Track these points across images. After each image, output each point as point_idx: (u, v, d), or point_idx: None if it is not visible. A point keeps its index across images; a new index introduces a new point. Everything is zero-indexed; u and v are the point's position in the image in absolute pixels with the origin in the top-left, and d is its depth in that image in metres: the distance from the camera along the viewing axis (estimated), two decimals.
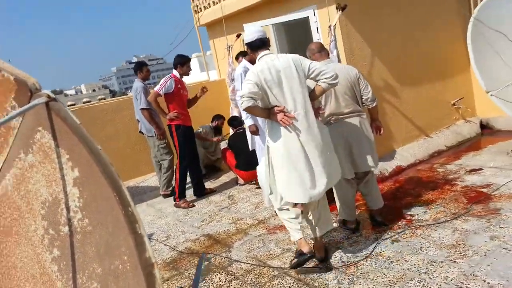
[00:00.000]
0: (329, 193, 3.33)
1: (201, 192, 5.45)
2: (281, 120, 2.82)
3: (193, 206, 5.14)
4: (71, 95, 74.36)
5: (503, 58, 4.26)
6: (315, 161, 2.91)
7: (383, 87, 5.17)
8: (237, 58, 5.59)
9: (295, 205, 3.13)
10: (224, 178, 6.19)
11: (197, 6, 7.03)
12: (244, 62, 5.19)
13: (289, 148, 2.89)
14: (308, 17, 4.90)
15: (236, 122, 5.83)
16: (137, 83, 5.62)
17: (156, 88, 5.00)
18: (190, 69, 5.18)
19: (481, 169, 4.54)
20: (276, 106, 2.86)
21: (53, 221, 1.12)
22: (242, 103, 2.80)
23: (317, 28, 4.88)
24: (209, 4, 6.73)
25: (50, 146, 1.10)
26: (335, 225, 3.63)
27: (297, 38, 6.01)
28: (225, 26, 6.28)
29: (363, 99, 3.54)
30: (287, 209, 3.18)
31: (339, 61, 4.51)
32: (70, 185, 1.08)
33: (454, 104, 5.96)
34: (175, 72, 5.12)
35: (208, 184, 5.88)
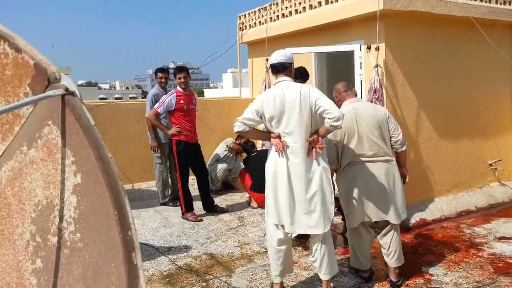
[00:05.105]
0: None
1: (210, 208, 5.28)
2: (274, 145, 2.88)
3: (201, 220, 4.97)
4: (105, 89, 76.13)
5: None
6: (299, 197, 2.86)
7: (420, 135, 4.94)
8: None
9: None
10: (238, 197, 6.01)
11: (243, 23, 7.07)
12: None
13: (277, 174, 2.90)
14: (353, 51, 4.77)
15: (247, 146, 5.97)
16: (152, 90, 5.62)
17: (156, 106, 4.91)
18: (181, 82, 4.89)
19: None
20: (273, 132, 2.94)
21: (42, 227, 0.98)
22: (235, 126, 2.92)
23: (360, 63, 4.73)
24: (255, 23, 6.74)
25: (56, 144, 0.97)
26: (345, 269, 3.37)
27: (338, 67, 5.88)
28: (267, 47, 6.23)
29: (392, 141, 3.28)
30: (274, 246, 3.04)
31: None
32: (69, 192, 0.94)
33: (491, 165, 5.66)
34: (179, 87, 4.96)
35: (221, 201, 5.72)
